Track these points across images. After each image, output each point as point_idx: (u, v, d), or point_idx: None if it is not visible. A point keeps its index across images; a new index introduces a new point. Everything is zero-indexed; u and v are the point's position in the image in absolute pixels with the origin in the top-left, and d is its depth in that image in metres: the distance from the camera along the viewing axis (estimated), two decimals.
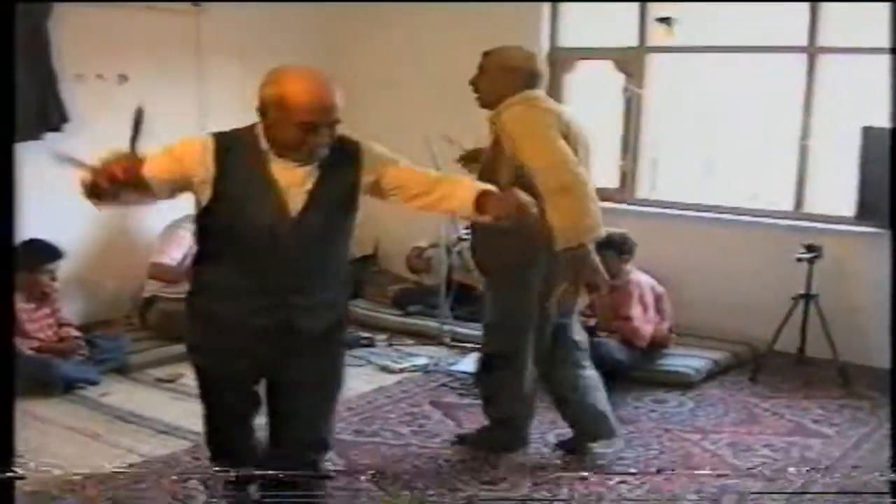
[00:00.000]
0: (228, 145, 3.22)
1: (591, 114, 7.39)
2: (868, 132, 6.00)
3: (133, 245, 6.76)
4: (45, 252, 5.58)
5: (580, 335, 4.72)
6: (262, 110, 3.18)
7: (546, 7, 7.27)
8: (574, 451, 4.71)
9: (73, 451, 4.60)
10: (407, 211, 3.54)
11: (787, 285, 5.98)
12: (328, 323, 3.40)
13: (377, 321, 6.91)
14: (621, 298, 5.82)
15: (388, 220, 6.14)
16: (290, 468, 3.27)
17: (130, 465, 4.44)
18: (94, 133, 6.33)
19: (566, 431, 4.90)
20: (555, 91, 7.29)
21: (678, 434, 5.04)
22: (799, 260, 5.90)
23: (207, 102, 7.08)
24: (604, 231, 4.33)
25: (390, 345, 6.52)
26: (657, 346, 5.90)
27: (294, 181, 3.20)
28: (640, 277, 5.93)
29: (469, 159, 4.93)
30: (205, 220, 3.29)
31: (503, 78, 4.41)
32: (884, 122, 5.85)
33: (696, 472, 4.53)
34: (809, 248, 5.93)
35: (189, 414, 5.07)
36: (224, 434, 3.67)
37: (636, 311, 5.79)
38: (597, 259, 4.22)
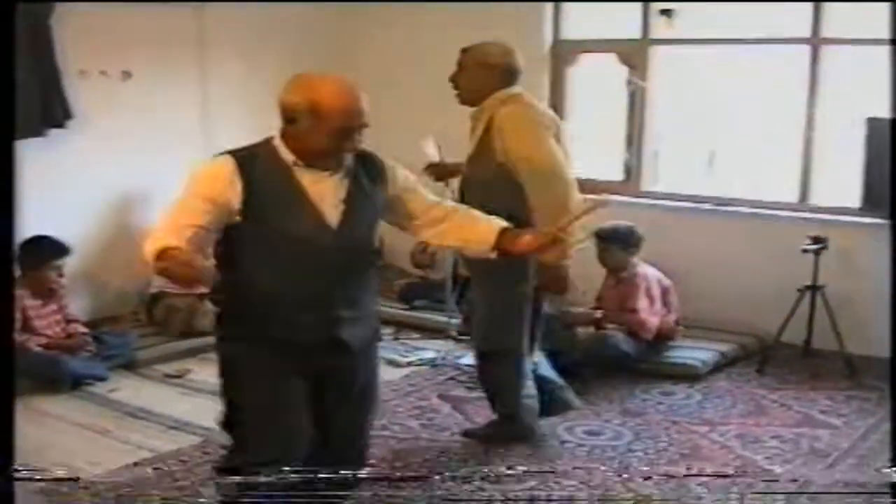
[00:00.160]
0: (249, 162, 3.09)
1: (594, 107, 7.45)
2: (873, 123, 5.99)
3: (135, 240, 6.72)
4: (51, 248, 5.57)
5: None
6: (290, 119, 3.07)
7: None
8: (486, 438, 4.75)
9: (82, 447, 4.60)
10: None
11: (793, 277, 5.97)
12: (369, 333, 3.38)
13: (383, 315, 6.85)
14: (628, 291, 5.83)
15: None
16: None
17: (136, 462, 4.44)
18: (98, 129, 6.36)
19: (574, 423, 4.93)
20: (558, 84, 7.33)
21: (686, 426, 5.04)
22: (805, 251, 5.90)
23: (210, 99, 7.09)
24: (588, 242, 4.47)
25: (396, 339, 6.51)
26: (664, 338, 5.91)
27: (326, 193, 3.13)
28: (646, 270, 5.93)
29: (438, 173, 4.95)
30: (234, 241, 3.13)
31: (482, 74, 4.43)
32: (888, 112, 5.86)
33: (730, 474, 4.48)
34: (815, 240, 5.92)
35: (198, 409, 5.11)
36: (280, 437, 3.29)
37: (643, 303, 5.80)
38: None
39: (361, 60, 7.37)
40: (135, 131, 6.58)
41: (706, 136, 7.35)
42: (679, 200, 6.93)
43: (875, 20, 5.92)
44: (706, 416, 5.21)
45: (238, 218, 3.07)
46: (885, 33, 5.78)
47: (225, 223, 3.07)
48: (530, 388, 4.72)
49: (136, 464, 4.42)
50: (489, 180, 4.28)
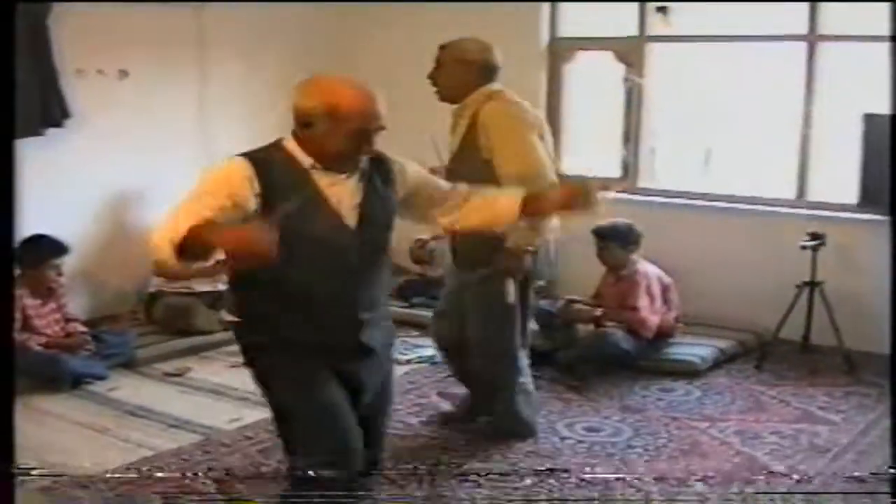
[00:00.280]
0: (265, 165, 3.01)
1: (591, 104, 7.46)
2: (870, 119, 6.00)
3: (133, 239, 6.74)
4: (50, 247, 5.57)
5: None
6: (307, 123, 3.02)
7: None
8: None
9: (83, 446, 4.61)
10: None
11: (791, 273, 5.98)
12: (387, 334, 3.36)
13: None
14: (628, 289, 5.83)
15: None
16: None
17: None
18: (96, 129, 6.35)
19: (575, 420, 4.94)
20: (555, 81, 7.33)
21: (686, 422, 5.05)
22: (803, 248, 5.91)
23: (208, 99, 7.09)
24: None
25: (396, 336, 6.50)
26: (663, 335, 5.91)
27: (343, 196, 3.09)
28: (646, 268, 5.93)
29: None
30: None
31: (461, 71, 4.45)
32: (885, 109, 5.87)
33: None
34: (813, 236, 5.94)
35: (198, 408, 5.13)
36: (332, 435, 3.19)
37: (643, 301, 5.80)
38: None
39: (361, 60, 7.37)
40: (132, 131, 6.58)
41: (703, 133, 7.36)
42: (676, 197, 6.94)
43: (871, 16, 5.93)
44: (706, 412, 5.22)
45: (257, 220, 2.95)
46: (882, 30, 5.80)
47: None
48: (528, 383, 4.73)
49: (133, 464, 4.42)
50: (474, 177, 4.27)
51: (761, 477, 4.26)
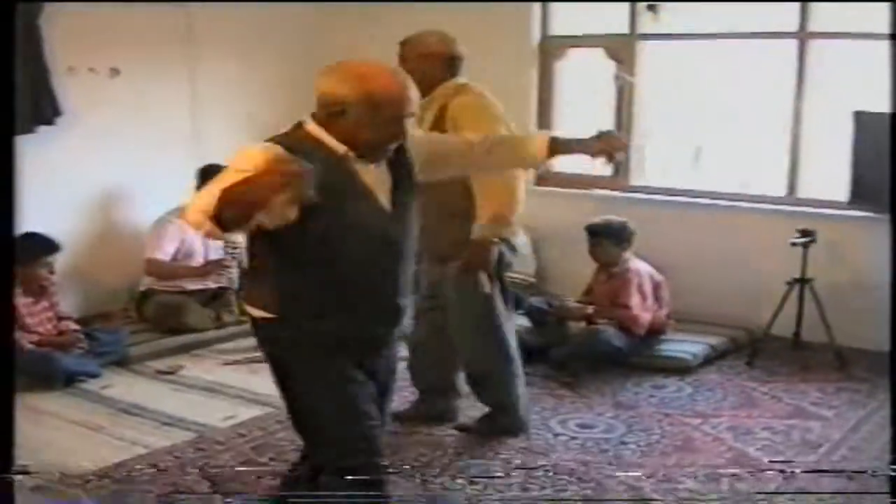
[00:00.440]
0: (298, 153, 2.80)
1: (582, 101, 7.47)
2: (860, 117, 6.02)
3: (125, 237, 6.75)
4: (41, 245, 5.55)
5: None
6: (339, 111, 2.90)
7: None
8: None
9: (77, 444, 4.60)
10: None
11: (782, 270, 6.00)
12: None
13: None
14: (620, 286, 5.84)
15: None
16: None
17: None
18: (87, 127, 6.35)
19: (568, 417, 4.96)
20: (546, 79, 7.34)
21: (678, 419, 5.06)
22: (793, 245, 5.93)
23: (199, 96, 7.08)
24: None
25: None
26: (655, 332, 5.92)
27: (376, 183, 3.01)
28: (638, 265, 5.94)
29: None
30: (285, 240, 2.90)
31: (425, 65, 4.41)
32: (875, 106, 5.90)
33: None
34: (804, 233, 5.95)
35: (191, 405, 5.13)
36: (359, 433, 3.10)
37: (635, 299, 5.80)
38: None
39: (352, 56, 7.36)
40: (124, 129, 6.58)
41: (694, 131, 7.38)
42: (667, 195, 6.95)
43: (862, 14, 5.97)
44: (698, 408, 5.24)
45: (297, 212, 2.81)
46: (872, 27, 5.85)
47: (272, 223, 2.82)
48: (520, 378, 4.74)
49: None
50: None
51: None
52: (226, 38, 7.13)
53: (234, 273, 6.48)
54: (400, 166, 3.09)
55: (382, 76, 2.93)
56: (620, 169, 7.11)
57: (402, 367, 3.93)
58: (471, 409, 4.88)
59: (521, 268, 6.75)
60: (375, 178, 3.01)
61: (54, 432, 4.73)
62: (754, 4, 6.43)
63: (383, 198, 3.02)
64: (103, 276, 6.68)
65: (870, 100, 5.95)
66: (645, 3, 6.96)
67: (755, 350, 6.01)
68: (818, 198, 6.46)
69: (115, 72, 6.61)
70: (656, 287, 5.98)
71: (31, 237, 5.46)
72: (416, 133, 3.31)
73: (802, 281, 5.96)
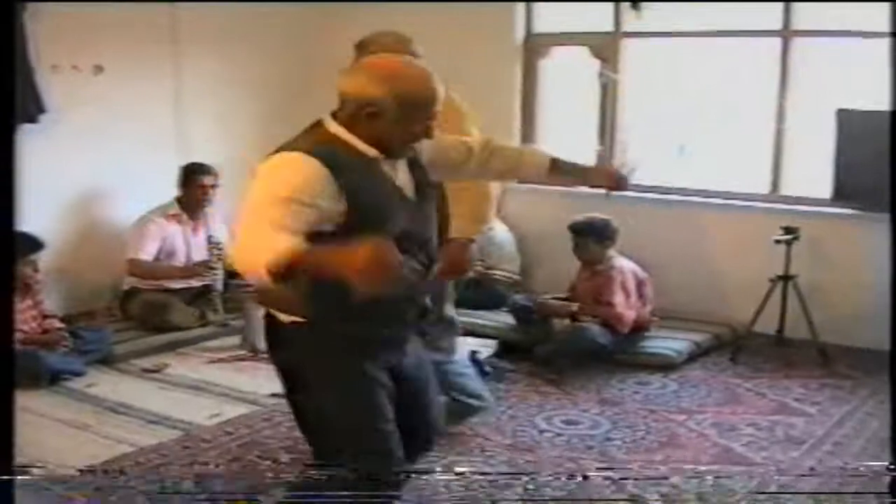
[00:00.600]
0: (332, 160, 2.74)
1: (566, 99, 7.49)
2: (843, 114, 6.06)
3: (109, 235, 6.72)
4: (26, 243, 5.49)
5: None
6: (373, 113, 2.79)
7: None
8: None
9: (64, 443, 4.58)
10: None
11: (765, 267, 6.03)
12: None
13: None
14: (604, 284, 5.86)
15: None
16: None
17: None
18: (71, 124, 6.33)
19: (553, 413, 4.97)
20: (530, 77, 7.35)
21: (663, 415, 5.09)
22: (777, 242, 5.95)
23: (183, 94, 7.06)
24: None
25: None
26: (639, 329, 5.95)
27: (403, 182, 2.95)
28: (622, 263, 5.96)
29: None
30: (326, 243, 2.67)
31: None
32: (858, 104, 5.95)
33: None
34: (787, 230, 5.98)
35: (177, 403, 5.12)
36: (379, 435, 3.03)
37: (619, 297, 5.82)
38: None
39: (336, 57, 7.35)
40: (108, 126, 6.55)
41: (677, 128, 7.39)
42: (651, 192, 6.97)
43: (845, 13, 6.00)
44: (682, 404, 5.26)
45: (339, 219, 2.76)
46: (856, 25, 5.89)
47: (317, 229, 2.71)
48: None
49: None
50: None
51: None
52: (210, 36, 7.10)
53: (220, 273, 6.45)
54: (417, 165, 3.04)
55: (413, 73, 2.86)
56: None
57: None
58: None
59: (506, 265, 6.79)
60: (403, 179, 2.95)
61: (40, 431, 4.70)
62: (738, 4, 6.45)
63: (411, 197, 2.97)
64: (87, 274, 6.65)
65: (853, 98, 5.99)
66: (628, 2, 6.97)
67: (739, 347, 6.04)
68: (801, 195, 6.48)
69: (98, 69, 6.58)
70: (640, 284, 5.99)
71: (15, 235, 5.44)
72: None
73: (786, 278, 5.98)
